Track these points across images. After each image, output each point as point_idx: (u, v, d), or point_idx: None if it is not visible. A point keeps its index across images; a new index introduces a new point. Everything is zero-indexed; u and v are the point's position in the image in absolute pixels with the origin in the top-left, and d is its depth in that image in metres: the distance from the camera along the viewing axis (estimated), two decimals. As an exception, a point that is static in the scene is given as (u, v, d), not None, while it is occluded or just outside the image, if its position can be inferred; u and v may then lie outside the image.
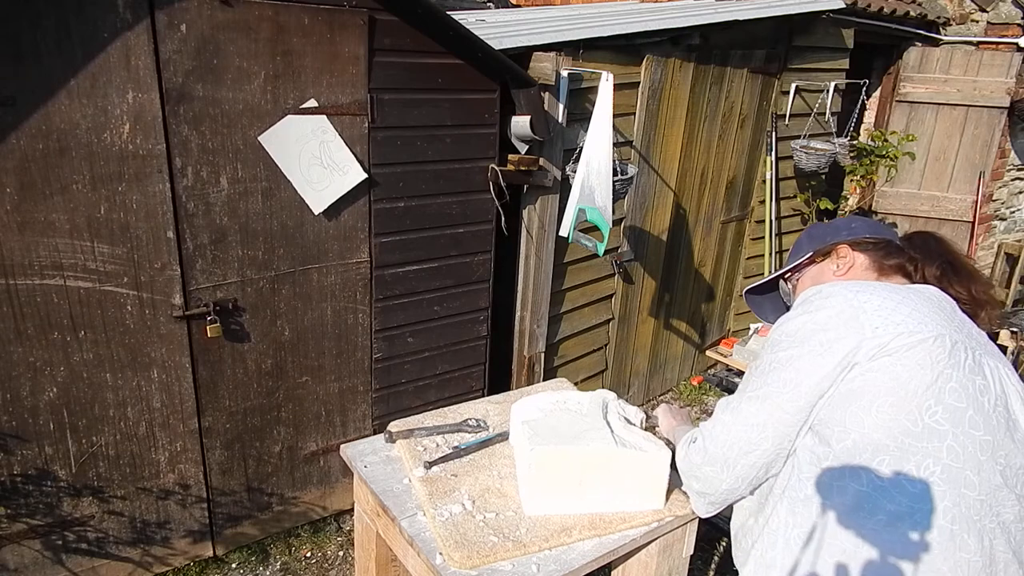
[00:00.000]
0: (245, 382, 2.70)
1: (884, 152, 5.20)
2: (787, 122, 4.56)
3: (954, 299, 1.35)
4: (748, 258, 4.87)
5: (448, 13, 2.59)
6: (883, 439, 1.18)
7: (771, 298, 1.74)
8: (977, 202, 5.41)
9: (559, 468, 1.57)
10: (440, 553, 1.50)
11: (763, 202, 4.69)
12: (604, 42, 3.19)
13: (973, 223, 5.45)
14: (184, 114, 2.27)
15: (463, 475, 1.73)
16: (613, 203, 2.99)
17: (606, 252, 3.36)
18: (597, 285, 3.77)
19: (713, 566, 3.09)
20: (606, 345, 4.01)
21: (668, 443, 1.67)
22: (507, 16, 4.67)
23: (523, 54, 3.00)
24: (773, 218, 4.69)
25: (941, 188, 5.55)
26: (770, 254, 4.75)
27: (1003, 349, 4.31)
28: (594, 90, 2.97)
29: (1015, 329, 4.58)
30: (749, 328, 4.32)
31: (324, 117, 2.52)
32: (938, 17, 5.47)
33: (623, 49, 3.33)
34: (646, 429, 1.75)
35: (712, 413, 1.45)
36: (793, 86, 4.43)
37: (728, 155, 4.31)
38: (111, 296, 2.33)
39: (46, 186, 2.12)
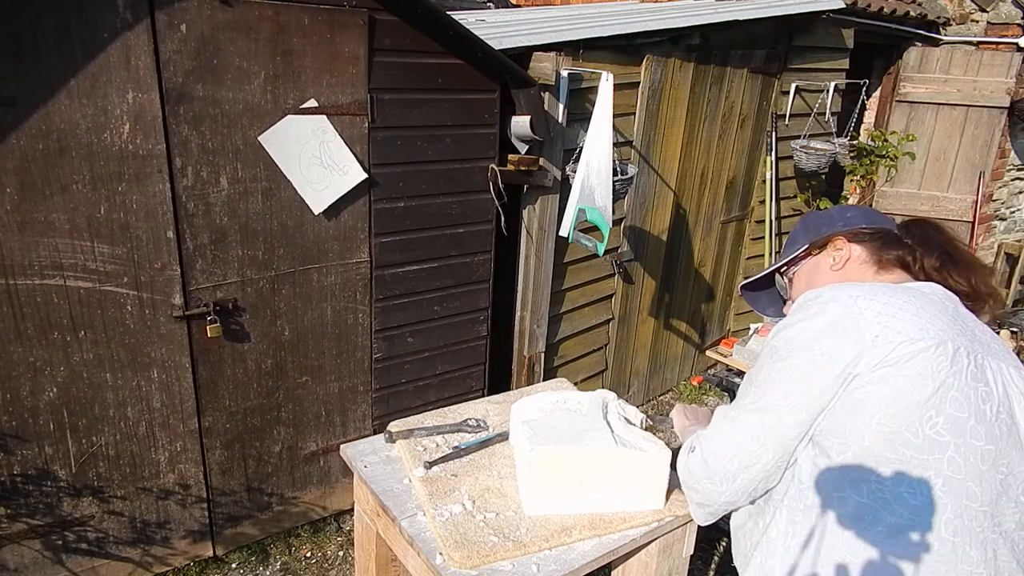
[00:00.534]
0: (245, 382, 2.70)
1: (884, 152, 5.21)
2: (787, 122, 4.56)
3: (955, 291, 1.32)
4: (748, 258, 4.87)
5: (448, 13, 2.59)
6: (883, 451, 1.16)
7: (768, 293, 1.71)
8: (977, 202, 5.41)
9: (559, 468, 1.57)
10: (440, 553, 1.50)
11: (763, 202, 4.69)
12: (604, 42, 3.19)
13: (973, 223, 5.45)
14: (184, 114, 2.27)
15: (463, 475, 1.73)
16: (613, 203, 2.99)
17: (606, 252, 3.36)
18: (597, 285, 3.77)
19: (713, 566, 3.09)
20: (606, 345, 4.01)
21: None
22: (507, 16, 4.67)
23: (523, 54, 3.00)
24: (773, 218, 4.68)
25: (941, 188, 5.55)
26: (770, 254, 4.75)
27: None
28: (594, 90, 2.97)
29: (1015, 329, 4.59)
30: (749, 328, 4.32)
31: (324, 117, 2.52)
32: (938, 17, 5.47)
33: (623, 49, 3.33)
34: (646, 429, 1.75)
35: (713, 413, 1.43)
36: (793, 86, 4.43)
37: (728, 155, 4.31)
38: (111, 296, 2.33)
39: (46, 186, 2.12)
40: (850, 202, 5.68)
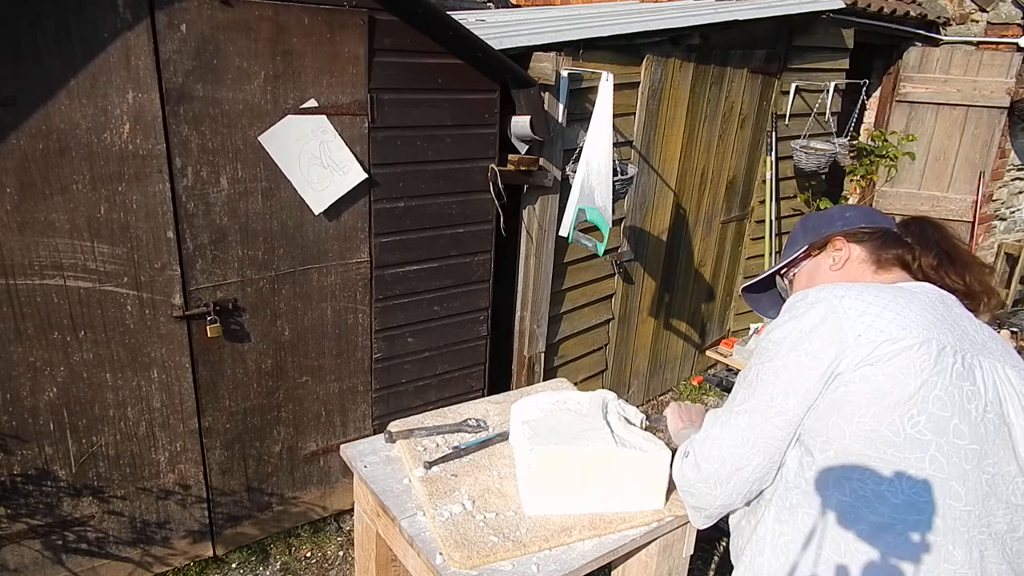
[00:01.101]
0: (245, 382, 2.70)
1: (884, 152, 5.21)
2: (787, 122, 4.56)
3: (951, 290, 1.32)
4: (748, 258, 4.87)
5: (448, 13, 2.59)
6: (864, 449, 1.16)
7: (769, 294, 1.72)
8: (977, 202, 5.41)
9: (559, 468, 1.57)
10: (440, 553, 1.50)
11: (763, 202, 4.69)
12: (604, 42, 3.19)
13: (973, 223, 5.45)
14: (184, 114, 2.27)
15: (463, 475, 1.73)
16: (613, 203, 2.99)
17: (606, 252, 3.36)
18: (597, 285, 3.77)
19: (713, 566, 3.09)
20: (606, 345, 4.01)
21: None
22: (507, 16, 4.68)
23: (523, 54, 3.00)
24: (773, 218, 4.69)
25: (941, 188, 5.55)
26: (770, 254, 4.75)
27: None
28: (594, 90, 2.97)
29: (1015, 329, 4.59)
30: (749, 328, 4.33)
31: (324, 117, 2.52)
32: (938, 17, 5.47)
33: (623, 49, 3.33)
34: (646, 429, 1.75)
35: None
36: (793, 86, 4.43)
37: (728, 155, 4.31)
38: (111, 296, 2.33)
39: (46, 186, 2.12)
40: (850, 202, 5.68)
